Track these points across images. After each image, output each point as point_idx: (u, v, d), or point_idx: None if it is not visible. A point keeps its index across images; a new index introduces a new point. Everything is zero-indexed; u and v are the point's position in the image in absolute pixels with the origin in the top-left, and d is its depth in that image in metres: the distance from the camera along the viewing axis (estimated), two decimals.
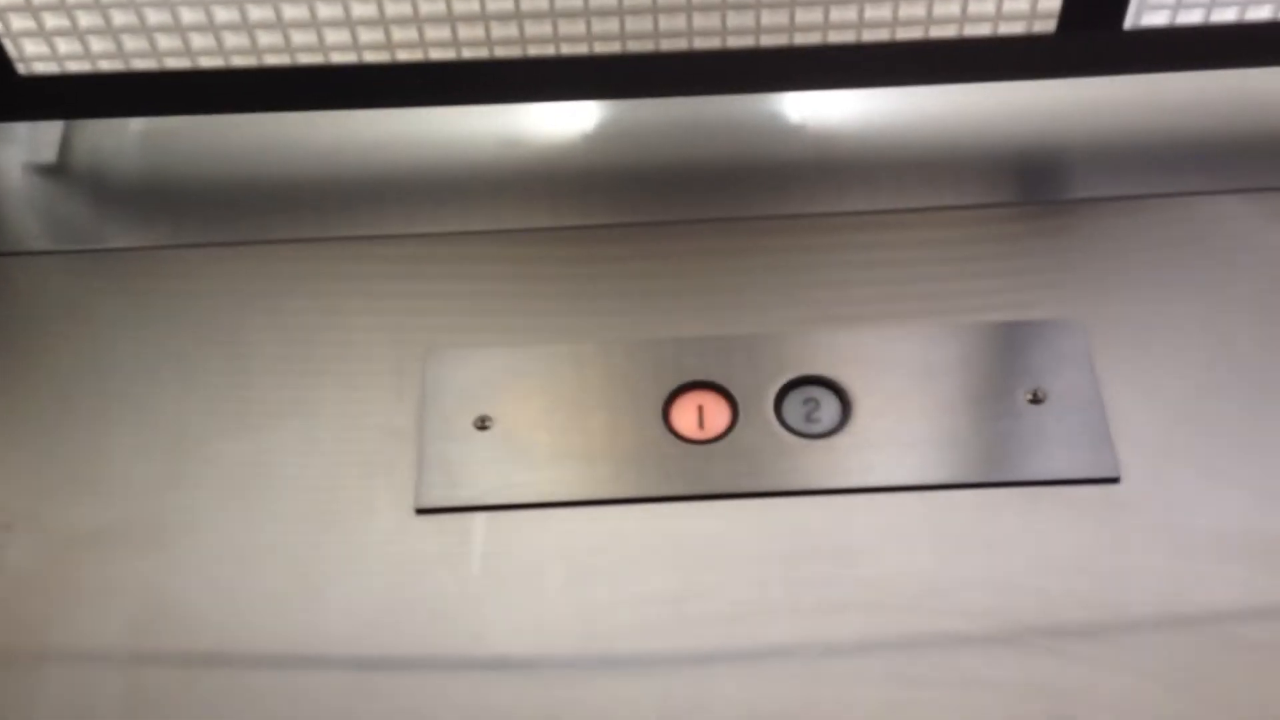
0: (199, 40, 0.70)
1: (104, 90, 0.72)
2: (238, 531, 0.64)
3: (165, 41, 0.70)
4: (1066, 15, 0.69)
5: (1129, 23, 0.70)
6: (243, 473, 0.65)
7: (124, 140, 0.79)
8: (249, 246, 0.73)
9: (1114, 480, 0.62)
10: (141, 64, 0.71)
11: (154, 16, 0.69)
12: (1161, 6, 0.69)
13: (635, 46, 0.71)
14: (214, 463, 0.66)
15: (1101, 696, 0.57)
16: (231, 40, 0.70)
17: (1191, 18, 0.70)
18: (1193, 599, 0.59)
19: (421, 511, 0.63)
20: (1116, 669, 0.58)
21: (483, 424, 0.66)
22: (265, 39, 0.70)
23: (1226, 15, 0.70)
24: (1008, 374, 0.66)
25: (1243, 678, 0.57)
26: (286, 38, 0.70)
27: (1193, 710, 0.57)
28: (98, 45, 0.70)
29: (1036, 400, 0.65)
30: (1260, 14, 0.70)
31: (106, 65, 0.71)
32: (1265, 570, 0.60)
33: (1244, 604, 0.59)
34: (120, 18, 0.69)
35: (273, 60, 0.71)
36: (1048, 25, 0.70)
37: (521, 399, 0.66)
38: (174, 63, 0.71)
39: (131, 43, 0.70)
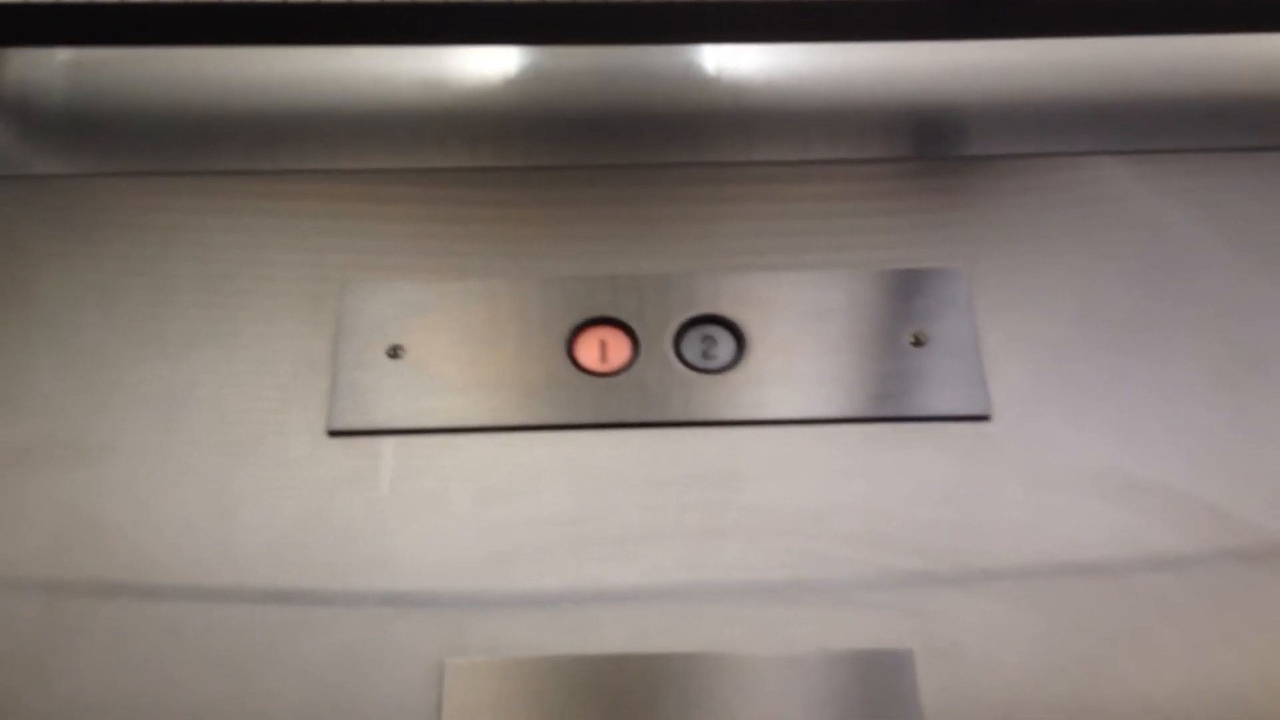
0: None
1: (30, 20, 0.74)
2: (154, 453, 0.66)
3: None
4: None
5: None
6: (161, 397, 0.68)
7: (51, 70, 0.80)
8: (173, 177, 0.75)
9: (985, 418, 0.67)
10: None
11: None
12: None
13: None
14: (133, 387, 0.68)
15: (965, 616, 0.61)
16: None
17: None
18: (1052, 530, 0.64)
19: (333, 434, 0.66)
20: (979, 592, 0.62)
21: (395, 353, 0.68)
22: None
23: None
24: (893, 318, 0.70)
25: (1094, 603, 0.62)
26: None
27: (1048, 629, 0.61)
28: None
29: (918, 343, 0.69)
30: None
31: None
32: (1121, 506, 0.64)
33: (1099, 537, 0.64)
34: None
35: None
36: None
37: (433, 330, 0.69)
38: None
39: None
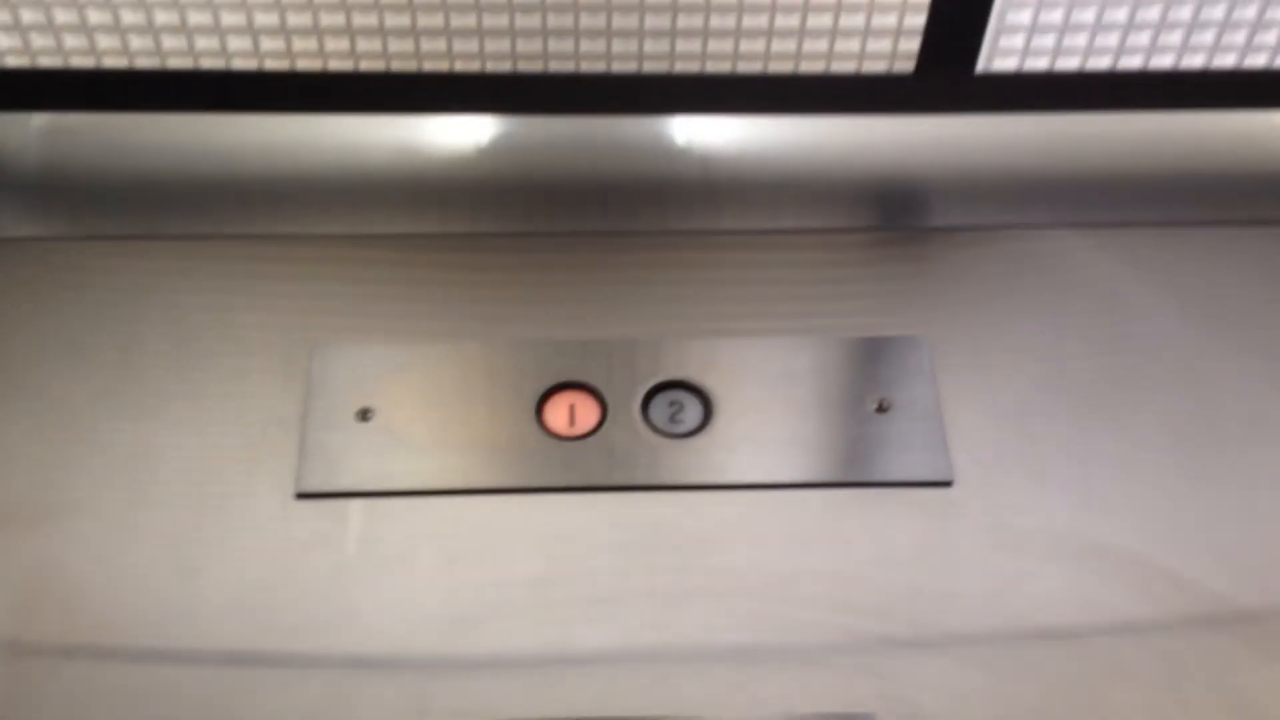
0: (105, 41, 0.73)
1: (7, 85, 0.75)
2: (121, 513, 0.66)
3: (71, 40, 0.73)
4: (924, 57, 0.75)
5: (980, 67, 0.76)
6: (128, 457, 0.68)
7: (25, 134, 0.81)
8: (145, 241, 0.76)
9: (948, 484, 0.68)
10: (47, 61, 0.74)
11: (61, 16, 0.71)
12: (1010, 53, 0.75)
13: (525, 67, 0.75)
14: (101, 447, 0.68)
15: (927, 679, 0.62)
16: (136, 42, 0.73)
17: (1038, 64, 0.76)
18: (1013, 594, 0.64)
19: (301, 496, 0.67)
20: (941, 655, 0.63)
21: (364, 415, 0.69)
22: (170, 42, 0.73)
23: (1069, 64, 0.76)
24: (858, 384, 0.71)
25: (1053, 666, 0.63)
26: (190, 42, 0.73)
27: (1008, 692, 0.62)
28: (4, 41, 0.73)
29: (882, 409, 0.70)
30: (1100, 64, 0.76)
31: (12, 61, 0.74)
32: (1081, 570, 0.65)
33: (1059, 601, 0.64)
34: (29, 15, 0.71)
35: (176, 63, 0.74)
36: (907, 65, 0.76)
37: (403, 393, 0.70)
38: (79, 61, 0.74)
39: (39, 40, 0.73)
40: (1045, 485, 0.68)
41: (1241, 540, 0.67)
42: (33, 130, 0.82)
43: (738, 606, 0.64)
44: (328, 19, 0.72)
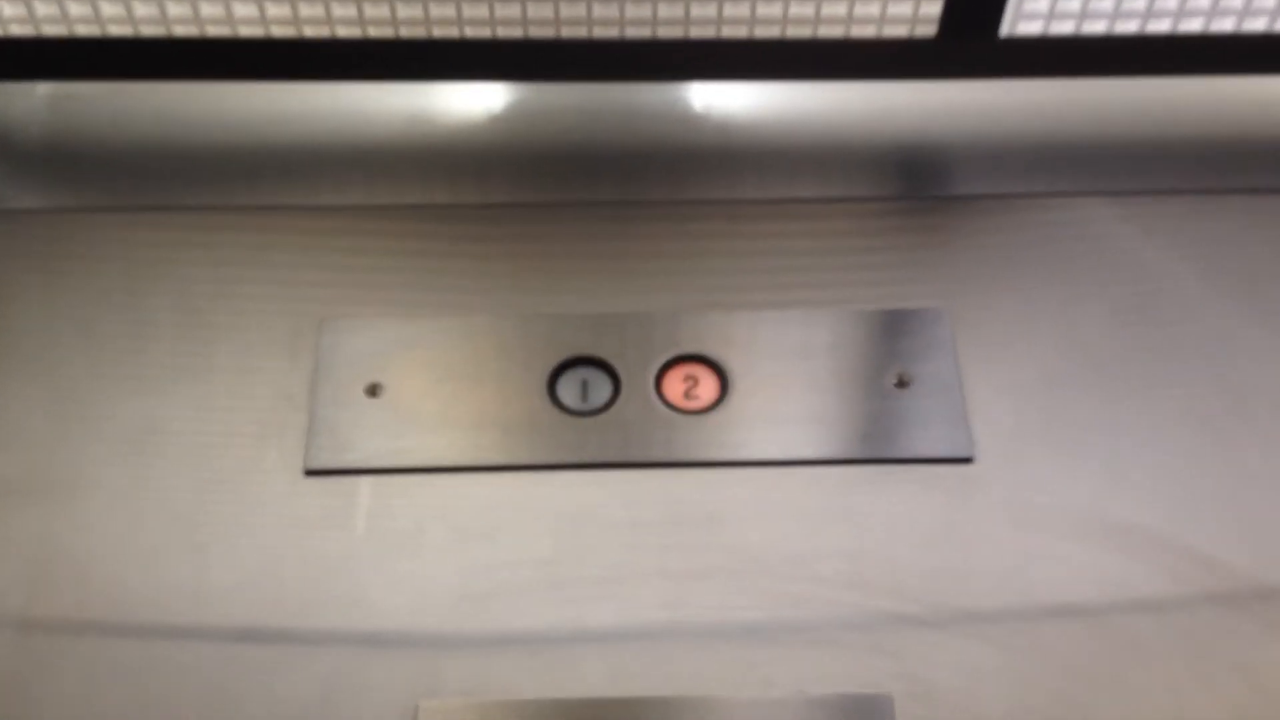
0: (109, 9, 0.72)
1: (12, 54, 0.74)
2: (130, 489, 0.66)
3: (76, 9, 0.72)
4: (946, 21, 0.73)
5: (1004, 31, 0.74)
6: (136, 432, 0.67)
7: (31, 104, 0.80)
8: (151, 213, 0.75)
9: (968, 460, 0.66)
10: (52, 30, 0.73)
11: None
12: (1035, 17, 0.73)
13: (537, 33, 0.74)
14: (108, 421, 0.67)
15: (944, 659, 0.61)
16: (141, 10, 0.72)
17: (1063, 28, 0.74)
18: (1033, 573, 0.63)
19: (310, 473, 0.66)
20: (959, 635, 0.62)
21: (373, 391, 0.68)
22: (175, 10, 0.72)
23: (1096, 27, 0.74)
24: (877, 359, 0.69)
25: (1073, 646, 0.62)
26: (196, 10, 0.72)
27: (1027, 671, 0.61)
28: (9, 10, 0.72)
29: (902, 384, 0.69)
30: (1127, 28, 0.74)
31: (17, 30, 0.73)
32: (1102, 548, 0.64)
33: (1080, 580, 0.63)
34: None
35: (181, 31, 0.73)
36: (929, 30, 0.74)
37: (412, 368, 0.69)
38: (84, 30, 0.73)
39: (43, 9, 0.72)
40: (1067, 461, 0.66)
41: (1266, 518, 0.65)
42: (38, 100, 0.80)
43: (752, 585, 0.63)
44: None
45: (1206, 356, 0.70)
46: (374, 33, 0.73)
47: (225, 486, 0.66)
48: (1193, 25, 0.74)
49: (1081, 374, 0.69)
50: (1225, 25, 0.74)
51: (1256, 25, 0.74)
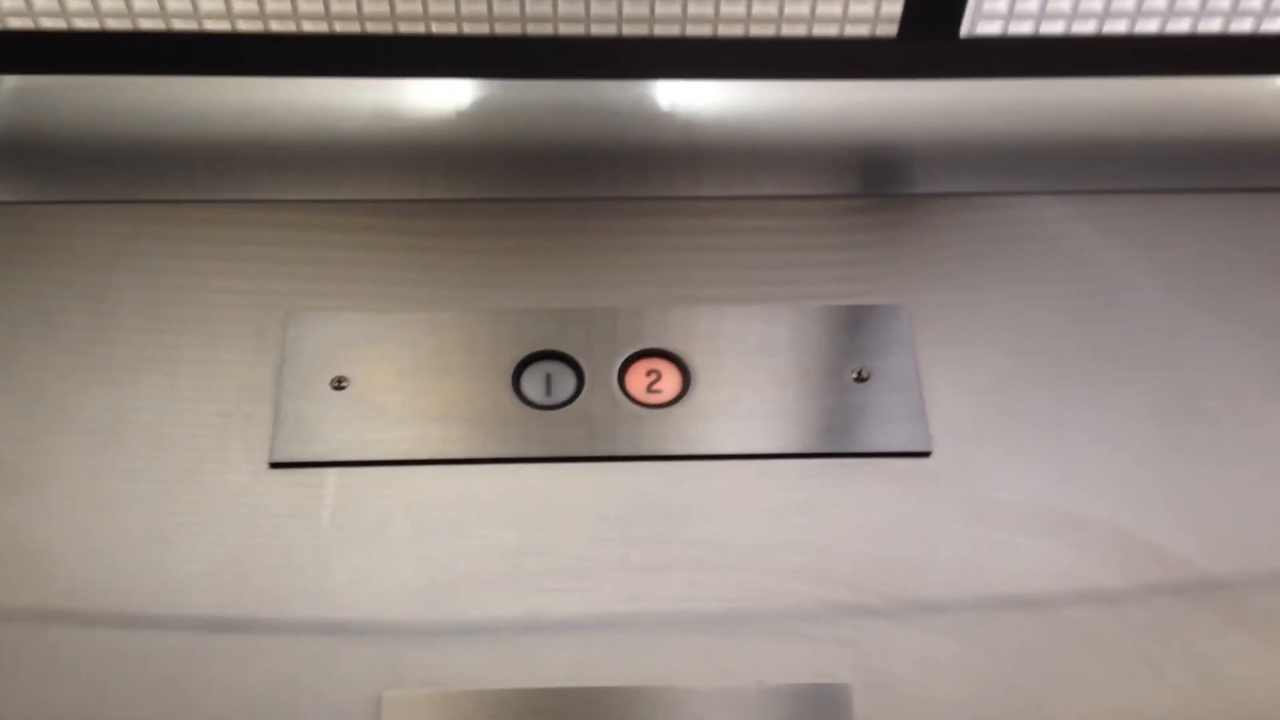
0: (75, 2, 0.72)
1: None
2: (95, 480, 0.66)
3: (41, 2, 0.71)
4: (907, 21, 0.74)
5: (964, 31, 0.75)
6: (102, 424, 0.67)
7: None
8: (117, 205, 0.75)
9: (926, 454, 0.67)
10: (17, 23, 0.73)
11: None
12: (995, 17, 0.75)
13: (502, 29, 0.74)
14: (75, 413, 0.68)
15: (902, 649, 0.62)
16: (107, 3, 0.72)
17: (1022, 29, 0.75)
18: (989, 565, 0.64)
19: (275, 465, 0.66)
20: (916, 626, 0.63)
21: (339, 384, 0.68)
22: (141, 4, 0.72)
23: (1054, 28, 0.75)
24: (837, 353, 0.70)
25: (1028, 636, 0.63)
26: (162, 4, 0.72)
27: (983, 662, 0.62)
28: None
29: (861, 379, 0.70)
30: (1085, 28, 0.75)
31: None
32: (1057, 541, 0.65)
33: (1035, 571, 0.64)
34: None
35: (148, 25, 0.73)
36: (890, 29, 0.75)
37: (378, 362, 0.69)
38: (49, 23, 0.73)
39: (8, 2, 0.71)
40: (1023, 456, 0.68)
41: (1217, 512, 0.66)
42: (3, 93, 0.80)
43: (713, 577, 0.64)
44: None
45: (1159, 353, 0.71)
46: (340, 28, 0.74)
47: (190, 478, 0.66)
48: (1149, 26, 0.75)
49: (1037, 370, 0.70)
50: (1180, 27, 0.75)
51: (1211, 27, 0.75)
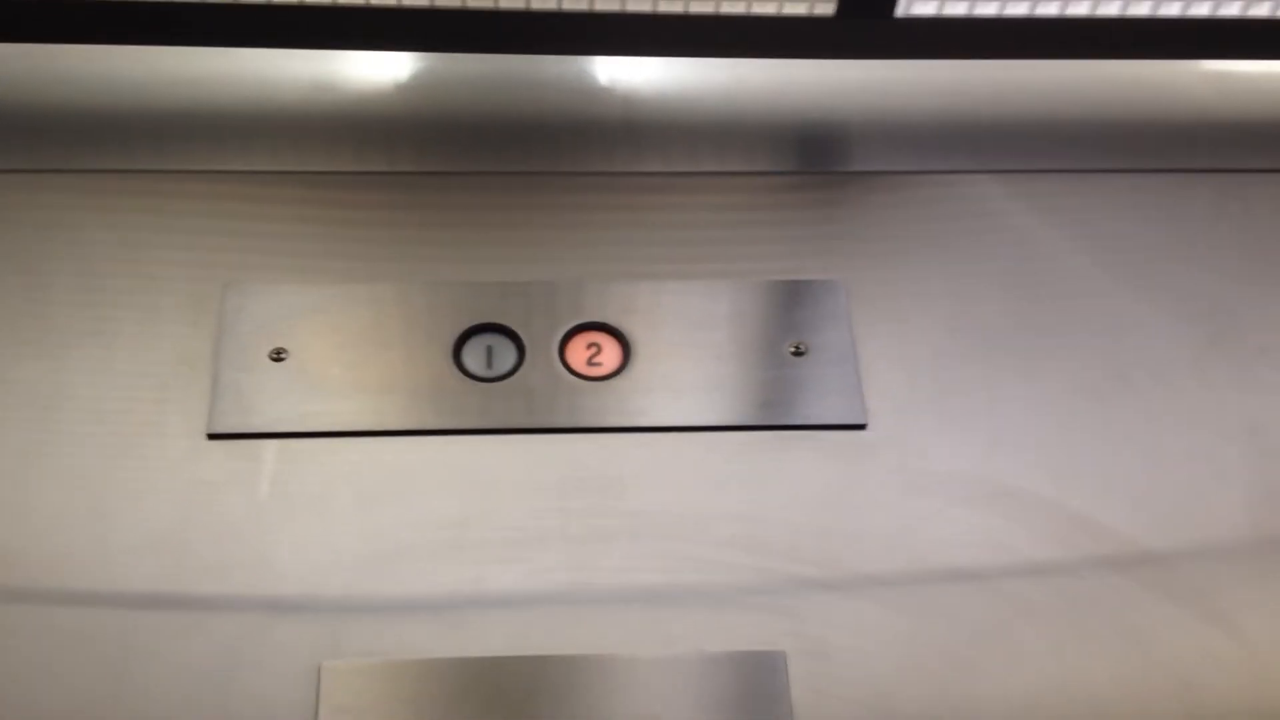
0: None
1: None
2: (30, 453, 0.65)
3: None
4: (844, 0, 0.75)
5: (900, 10, 0.76)
6: (37, 395, 0.67)
7: None
8: (51, 175, 0.74)
9: (861, 427, 0.68)
10: None
11: None
12: None
13: (443, 2, 0.74)
14: (9, 385, 0.67)
15: (837, 618, 0.63)
16: None
17: (957, 9, 0.76)
18: (923, 535, 0.66)
19: (213, 437, 0.66)
20: (851, 595, 0.64)
21: (278, 356, 0.68)
22: None
23: (988, 9, 0.76)
24: (775, 328, 0.71)
25: (961, 605, 0.64)
26: None
27: (917, 630, 0.63)
28: None
29: (799, 353, 0.70)
30: (1017, 10, 0.76)
31: None
32: (989, 512, 0.67)
33: (968, 542, 0.66)
34: None
35: None
36: (828, 8, 0.75)
37: (317, 334, 0.69)
38: None
39: None
40: (957, 429, 0.69)
41: (1147, 484, 0.68)
42: None
43: (652, 547, 0.65)
44: None
45: (1091, 329, 0.73)
46: None
47: (127, 450, 0.65)
48: (1080, 9, 0.77)
49: (971, 345, 0.72)
50: (1111, 9, 0.77)
51: (1140, 10, 0.77)
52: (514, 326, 0.70)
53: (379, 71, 0.81)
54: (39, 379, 0.67)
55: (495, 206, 0.75)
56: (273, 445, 0.66)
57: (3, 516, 0.63)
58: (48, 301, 0.70)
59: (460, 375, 0.69)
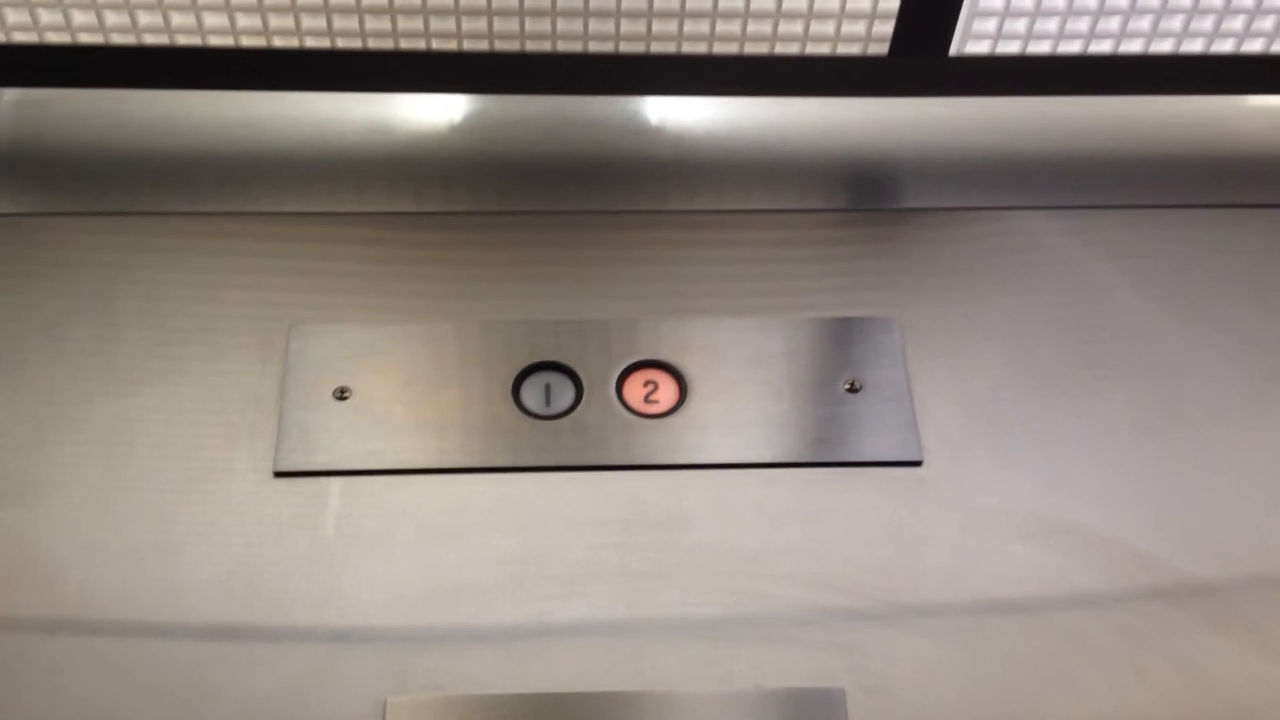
0: (80, 17, 0.72)
1: None
2: (100, 490, 0.66)
3: (47, 16, 0.72)
4: (898, 39, 0.76)
5: (954, 50, 0.77)
6: (107, 435, 0.68)
7: None
8: (120, 217, 0.76)
9: (917, 464, 0.69)
10: (21, 37, 0.74)
11: None
12: (984, 37, 0.76)
13: (502, 46, 0.76)
14: (80, 424, 0.68)
15: (896, 654, 0.63)
16: (112, 19, 0.73)
17: (1010, 48, 0.77)
18: (980, 571, 0.66)
19: (279, 475, 0.67)
20: (910, 631, 0.64)
21: (342, 394, 0.69)
22: (145, 19, 0.73)
23: (1041, 48, 0.77)
24: (830, 365, 0.72)
25: (1018, 640, 0.64)
26: (166, 19, 0.73)
27: (974, 666, 0.63)
28: None
29: (854, 390, 0.71)
30: (1071, 48, 0.77)
31: None
32: (1046, 548, 0.67)
33: (1024, 577, 0.66)
34: None
35: (151, 40, 0.74)
36: (881, 48, 0.76)
37: (380, 373, 0.70)
38: (54, 37, 0.74)
39: (13, 16, 0.72)
40: (1011, 465, 0.69)
41: (1201, 518, 0.68)
42: (5, 105, 0.81)
43: (710, 583, 0.65)
44: None
45: (1144, 365, 0.73)
46: (342, 44, 0.75)
47: (196, 487, 0.67)
48: (1133, 46, 0.77)
49: (1025, 381, 0.72)
50: (1164, 47, 0.77)
51: (1194, 47, 0.77)
52: (572, 364, 0.71)
53: (438, 114, 0.82)
54: (109, 418, 0.69)
55: (551, 245, 0.76)
56: (337, 483, 0.67)
57: (74, 553, 0.65)
58: (117, 341, 0.71)
59: (519, 413, 0.70)
